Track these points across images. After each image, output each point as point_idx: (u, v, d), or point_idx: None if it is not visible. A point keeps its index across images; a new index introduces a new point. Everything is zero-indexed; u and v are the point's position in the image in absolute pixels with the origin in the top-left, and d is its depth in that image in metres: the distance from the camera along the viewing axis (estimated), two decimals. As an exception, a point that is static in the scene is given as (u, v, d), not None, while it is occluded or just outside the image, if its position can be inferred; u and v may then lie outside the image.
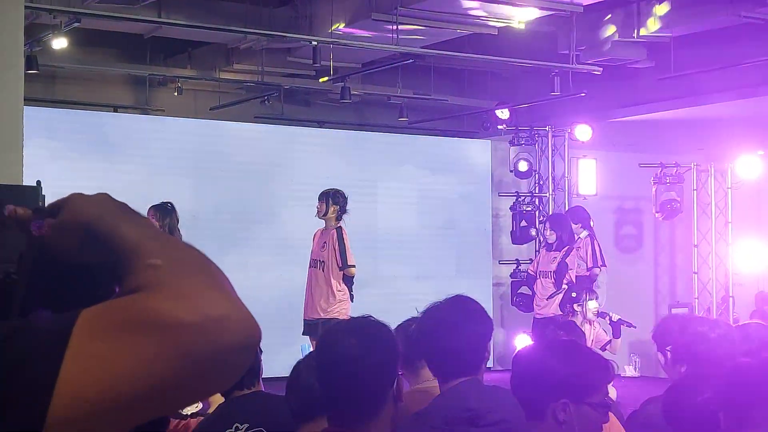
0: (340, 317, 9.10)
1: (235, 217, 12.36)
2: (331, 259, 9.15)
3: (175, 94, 12.21)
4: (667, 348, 4.23)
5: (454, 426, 3.30)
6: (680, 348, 4.05)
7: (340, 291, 9.18)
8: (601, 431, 2.94)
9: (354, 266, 9.21)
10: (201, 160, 12.19)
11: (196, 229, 11.68)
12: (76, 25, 9.51)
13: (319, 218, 9.24)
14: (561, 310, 10.20)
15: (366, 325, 2.70)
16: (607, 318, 9.90)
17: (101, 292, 1.08)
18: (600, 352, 9.78)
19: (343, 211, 9.22)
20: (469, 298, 3.63)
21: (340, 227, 9.18)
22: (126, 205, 1.13)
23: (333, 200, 9.19)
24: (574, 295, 10.16)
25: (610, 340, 9.90)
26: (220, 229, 12.22)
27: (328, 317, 9.07)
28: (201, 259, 1.06)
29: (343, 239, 9.13)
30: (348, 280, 9.26)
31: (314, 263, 9.22)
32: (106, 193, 1.15)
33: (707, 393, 2.92)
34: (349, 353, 2.60)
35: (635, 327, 10.37)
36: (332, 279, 9.16)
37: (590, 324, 9.87)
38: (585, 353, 3.06)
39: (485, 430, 3.29)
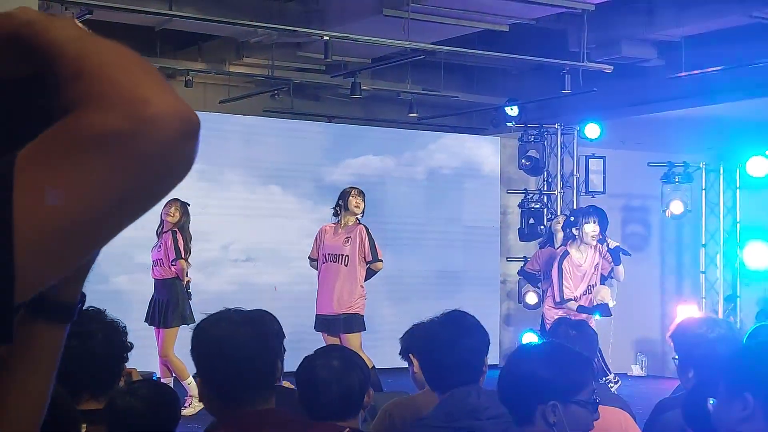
0: (360, 312, 9.15)
1: (239, 212, 12.36)
2: (358, 254, 9.17)
3: (185, 86, 12.21)
4: (674, 356, 4.25)
5: (456, 421, 3.36)
6: (683, 353, 4.06)
7: (362, 286, 9.22)
8: (593, 428, 2.94)
9: (382, 260, 9.29)
10: (209, 154, 12.19)
11: (203, 223, 11.72)
12: (87, 16, 9.51)
13: (357, 215, 9.29)
14: (563, 243, 10.09)
15: (246, 314, 2.85)
16: (606, 244, 9.85)
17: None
18: (602, 288, 9.80)
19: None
20: (464, 313, 3.70)
21: (363, 223, 9.25)
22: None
23: (364, 197, 9.29)
24: (572, 219, 10.05)
25: (613, 268, 9.90)
26: (228, 223, 12.24)
27: (350, 312, 9.10)
28: (125, 55, 1.00)
29: (371, 234, 9.21)
30: (370, 275, 9.32)
31: (334, 258, 9.20)
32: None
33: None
34: (232, 343, 2.75)
35: (630, 255, 10.34)
36: (357, 274, 9.18)
37: (593, 248, 9.76)
38: (567, 352, 3.07)
39: (487, 422, 3.34)
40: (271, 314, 3.15)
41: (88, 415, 2.90)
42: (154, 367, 9.26)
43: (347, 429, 2.92)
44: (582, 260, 9.77)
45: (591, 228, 9.60)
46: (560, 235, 10.69)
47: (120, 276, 11.12)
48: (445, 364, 3.48)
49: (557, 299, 9.68)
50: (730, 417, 2.54)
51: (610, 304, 9.82)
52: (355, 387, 3.24)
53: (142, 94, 0.95)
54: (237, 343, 2.73)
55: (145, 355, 10.11)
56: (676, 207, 12.88)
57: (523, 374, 2.92)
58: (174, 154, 0.96)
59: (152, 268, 9.60)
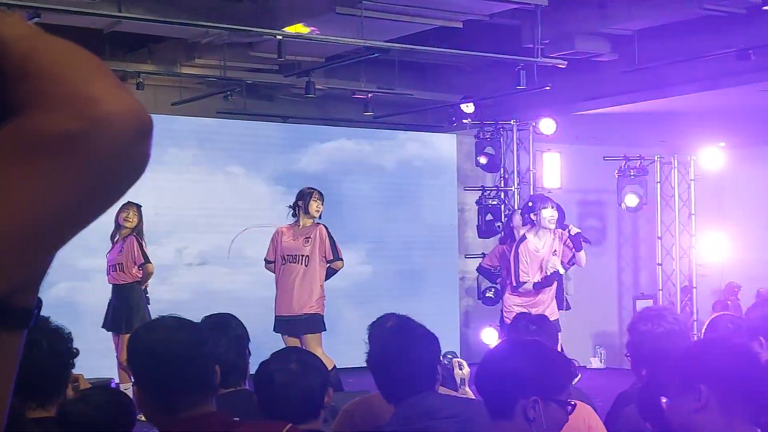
0: (321, 312, 9.11)
1: (198, 212, 12.25)
2: (318, 254, 9.12)
3: (136, 89, 12.07)
4: (625, 353, 4.28)
5: (413, 423, 3.35)
6: (632, 350, 4.11)
7: (322, 287, 9.18)
8: (561, 430, 2.96)
9: (343, 259, 9.30)
10: (163, 156, 12.07)
11: (159, 225, 11.59)
12: (35, 20, 9.35)
13: (316, 218, 9.23)
14: (522, 224, 10.03)
15: (183, 320, 2.86)
16: (567, 231, 9.84)
17: None
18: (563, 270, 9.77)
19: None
20: (412, 321, 3.68)
21: (322, 223, 9.25)
22: None
23: (323, 200, 9.28)
24: (530, 204, 10.03)
25: (574, 255, 9.88)
26: (183, 225, 12.12)
27: (310, 312, 9.06)
28: (77, 53, 0.96)
29: (331, 233, 9.22)
30: (330, 274, 9.30)
31: (294, 258, 9.14)
32: None
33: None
34: (168, 349, 2.75)
35: (590, 242, 10.35)
36: (318, 274, 9.13)
37: (551, 234, 9.70)
38: (552, 352, 3.13)
39: (443, 421, 3.34)
40: (233, 316, 3.11)
41: (37, 423, 2.86)
42: (113, 373, 9.14)
43: (288, 426, 2.88)
44: (540, 246, 9.74)
45: (549, 213, 9.57)
46: (522, 231, 10.60)
47: (63, 282, 10.99)
48: (396, 377, 3.47)
49: (514, 284, 9.61)
50: (685, 409, 2.58)
51: (561, 271, 9.75)
52: (315, 389, 3.21)
53: (94, 93, 0.91)
54: (170, 350, 2.73)
55: (100, 359, 9.98)
56: (631, 200, 12.95)
57: (509, 368, 2.93)
58: (128, 155, 0.92)
59: (108, 273, 9.47)
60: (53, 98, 0.90)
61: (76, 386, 3.30)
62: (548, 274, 9.56)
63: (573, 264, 10.03)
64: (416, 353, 3.49)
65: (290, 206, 9.32)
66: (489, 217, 13.03)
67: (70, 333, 3.16)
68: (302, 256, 9.12)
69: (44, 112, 0.90)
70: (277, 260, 9.22)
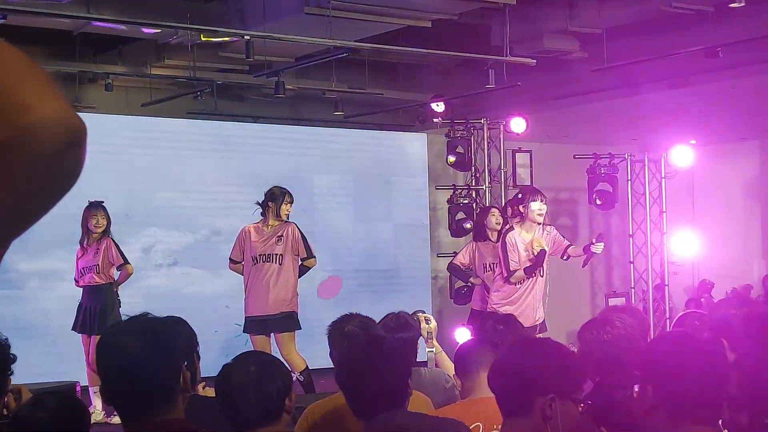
0: (296, 310, 9.12)
1: (169, 213, 12.20)
2: (291, 252, 9.13)
3: (105, 90, 12.01)
4: None
5: None
6: (581, 358, 4.14)
7: (296, 284, 9.19)
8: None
9: (315, 257, 9.33)
10: (134, 157, 12.02)
11: (129, 226, 11.53)
12: (1, 21, 9.28)
13: (287, 216, 9.22)
14: (511, 215, 9.67)
15: (146, 323, 2.76)
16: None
17: None
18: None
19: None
20: (378, 332, 3.66)
21: (292, 221, 9.25)
22: None
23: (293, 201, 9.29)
24: (519, 196, 9.68)
25: (566, 248, 9.52)
26: (153, 227, 12.06)
27: (287, 310, 9.05)
28: (12, 59, 0.95)
29: (302, 231, 9.25)
30: (303, 272, 9.33)
31: (267, 258, 9.12)
32: None
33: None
34: (131, 355, 2.67)
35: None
36: (292, 272, 9.14)
37: (541, 228, 9.29)
38: (566, 351, 3.13)
39: None
40: (181, 319, 3.08)
41: None
42: (79, 376, 9.08)
43: None
44: (528, 239, 9.38)
45: (537, 206, 9.12)
46: (494, 233, 10.41)
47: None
48: (365, 395, 3.45)
49: (505, 274, 9.22)
50: (636, 411, 2.59)
51: (546, 249, 9.37)
52: (272, 393, 3.17)
53: (23, 101, 0.91)
54: (129, 354, 2.67)
55: (66, 363, 9.93)
56: (602, 198, 12.99)
57: (528, 365, 2.94)
58: (57, 164, 0.91)
59: (81, 276, 9.42)
60: None
61: (17, 398, 3.26)
62: (534, 254, 9.21)
63: (569, 258, 9.69)
64: (386, 370, 3.46)
65: (259, 204, 9.28)
66: (461, 215, 13.04)
67: (6, 339, 3.11)
68: (276, 255, 9.10)
69: None
70: (247, 260, 9.18)
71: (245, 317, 9.21)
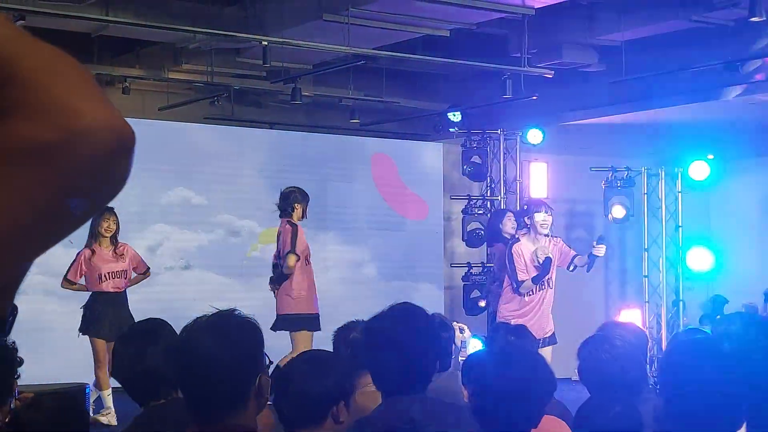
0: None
1: (183, 218, 12.20)
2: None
3: (122, 93, 12.03)
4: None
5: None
6: (580, 375, 4.14)
7: None
8: None
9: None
10: (149, 161, 12.01)
11: (144, 231, 11.53)
12: (20, 23, 9.30)
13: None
14: (518, 228, 9.70)
15: (227, 323, 2.68)
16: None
17: None
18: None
19: None
20: (415, 310, 3.52)
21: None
22: None
23: None
24: (525, 207, 9.77)
25: (573, 258, 9.57)
26: (168, 231, 12.06)
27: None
28: (62, 60, 0.93)
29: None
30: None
31: (308, 258, 9.27)
32: None
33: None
34: (207, 352, 2.59)
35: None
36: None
37: (547, 240, 9.35)
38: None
39: None
40: (168, 325, 3.01)
41: None
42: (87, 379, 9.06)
43: None
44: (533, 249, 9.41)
45: (542, 217, 9.18)
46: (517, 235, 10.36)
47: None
48: (395, 367, 3.33)
49: (515, 285, 9.21)
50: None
51: (550, 256, 9.41)
52: (312, 395, 3.07)
53: (75, 105, 0.89)
54: (209, 353, 2.60)
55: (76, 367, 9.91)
56: (618, 212, 12.91)
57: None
58: (107, 169, 0.90)
59: (107, 281, 9.36)
60: (34, 107, 0.89)
61: (26, 402, 3.25)
62: (540, 263, 9.19)
63: (575, 268, 9.72)
64: (417, 346, 3.34)
65: (301, 207, 9.26)
66: (475, 225, 12.99)
67: (14, 342, 3.08)
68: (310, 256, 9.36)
69: (24, 120, 0.88)
70: (302, 258, 9.21)
71: (303, 314, 9.13)
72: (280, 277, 9.12)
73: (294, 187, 9.31)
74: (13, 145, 0.88)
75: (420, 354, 3.36)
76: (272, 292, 9.17)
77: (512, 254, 9.21)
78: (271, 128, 13.28)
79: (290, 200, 9.14)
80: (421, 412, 3.26)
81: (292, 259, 8.94)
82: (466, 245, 13.32)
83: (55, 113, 0.89)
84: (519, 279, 9.14)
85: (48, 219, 0.91)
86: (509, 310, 9.23)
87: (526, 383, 2.95)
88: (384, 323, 3.42)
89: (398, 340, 3.32)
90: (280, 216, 9.18)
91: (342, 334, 4.44)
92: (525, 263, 9.16)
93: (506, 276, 9.44)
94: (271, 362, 2.72)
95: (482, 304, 12.29)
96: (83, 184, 0.90)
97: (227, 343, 2.62)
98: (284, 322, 8.99)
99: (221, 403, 2.60)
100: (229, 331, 2.65)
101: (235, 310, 2.72)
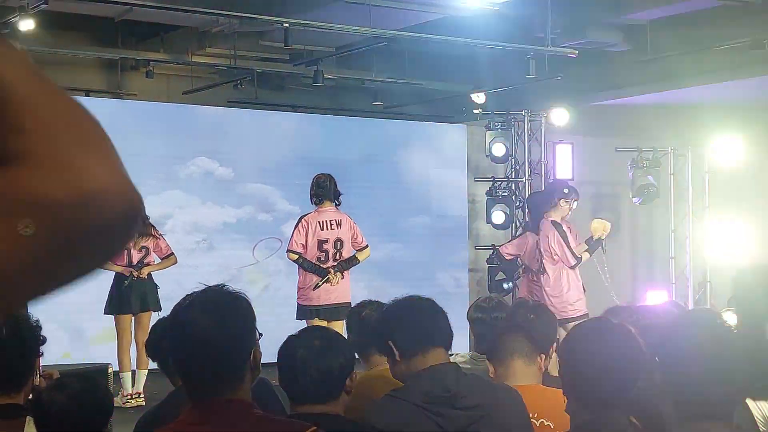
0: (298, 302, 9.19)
1: (210, 200, 12.23)
2: None
3: (146, 77, 12.06)
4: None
5: (434, 405, 3.27)
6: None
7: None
8: None
9: (291, 251, 9.11)
10: (174, 145, 12.05)
11: (172, 216, 11.58)
12: (43, 6, 9.34)
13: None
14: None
15: (220, 298, 2.68)
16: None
17: None
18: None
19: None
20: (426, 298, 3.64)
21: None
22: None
23: None
24: (566, 191, 10.10)
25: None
26: (194, 215, 12.10)
27: None
28: (77, 113, 0.92)
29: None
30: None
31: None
32: None
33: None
34: (201, 329, 2.59)
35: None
36: None
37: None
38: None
39: (463, 412, 3.27)
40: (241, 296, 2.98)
41: (2, 409, 2.82)
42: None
43: (312, 429, 2.79)
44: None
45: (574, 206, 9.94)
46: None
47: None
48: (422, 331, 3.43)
49: (572, 262, 9.75)
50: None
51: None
52: (334, 370, 3.12)
53: (88, 165, 0.88)
54: (200, 328, 2.59)
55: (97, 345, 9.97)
56: (643, 192, 12.85)
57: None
58: (110, 233, 0.89)
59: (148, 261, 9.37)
60: (45, 160, 0.87)
61: (50, 383, 3.26)
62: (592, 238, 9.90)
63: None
64: (439, 315, 3.49)
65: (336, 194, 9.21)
66: (500, 207, 12.94)
67: (37, 320, 3.10)
68: None
69: (32, 171, 0.87)
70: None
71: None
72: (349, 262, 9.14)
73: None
74: (20, 197, 0.86)
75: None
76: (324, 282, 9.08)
77: (564, 232, 9.72)
78: (294, 111, 13.28)
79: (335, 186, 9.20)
80: (457, 383, 3.32)
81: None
82: (495, 228, 13.24)
83: (67, 171, 0.87)
84: (577, 254, 9.77)
85: (47, 271, 0.89)
86: (576, 299, 9.72)
87: (621, 356, 2.93)
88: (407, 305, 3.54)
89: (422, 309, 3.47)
90: (331, 201, 9.15)
91: (355, 312, 4.45)
92: (574, 239, 9.85)
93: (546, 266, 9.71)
94: (260, 334, 2.71)
95: (507, 286, 12.28)
96: (86, 243, 0.88)
97: (220, 319, 2.61)
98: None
99: (217, 378, 2.60)
100: (221, 307, 2.64)
101: (224, 285, 2.72)
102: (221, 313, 2.63)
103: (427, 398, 3.27)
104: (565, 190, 10.04)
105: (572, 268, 9.74)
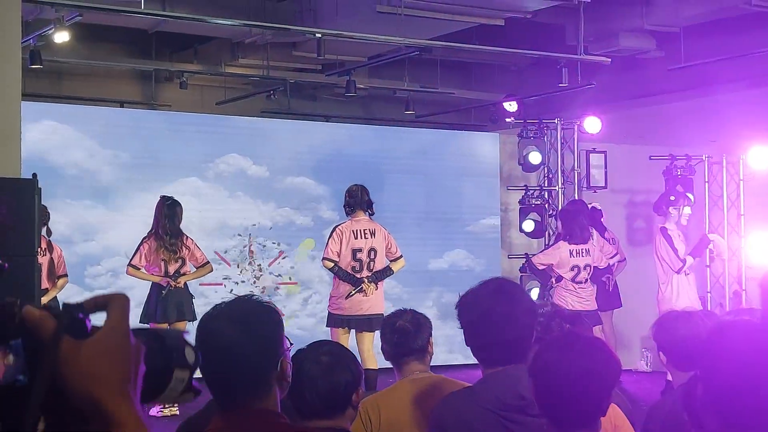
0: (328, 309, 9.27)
1: (245, 212, 12.29)
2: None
3: (180, 88, 12.16)
4: (660, 353, 4.19)
5: (507, 411, 3.25)
6: (674, 350, 4.00)
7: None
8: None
9: (327, 259, 9.08)
10: (208, 155, 12.11)
11: (202, 225, 11.64)
12: (78, 19, 9.45)
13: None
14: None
15: (247, 308, 2.69)
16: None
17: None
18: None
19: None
20: (511, 281, 3.58)
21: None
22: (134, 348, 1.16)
23: None
24: (672, 198, 10.58)
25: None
26: (231, 226, 12.15)
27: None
28: (117, 357, 1.12)
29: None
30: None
31: None
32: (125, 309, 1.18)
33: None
34: (228, 339, 2.60)
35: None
36: None
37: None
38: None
39: (531, 419, 3.23)
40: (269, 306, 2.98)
41: None
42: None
43: None
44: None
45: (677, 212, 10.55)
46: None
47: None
48: (499, 339, 3.31)
49: (680, 265, 10.29)
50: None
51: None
52: (341, 386, 3.15)
53: (118, 414, 1.10)
54: (226, 338, 2.60)
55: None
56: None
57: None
58: None
59: (184, 271, 9.42)
60: None
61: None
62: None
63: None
64: (522, 319, 3.33)
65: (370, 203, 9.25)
66: (534, 216, 12.90)
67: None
68: None
69: None
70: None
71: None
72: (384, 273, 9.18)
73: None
74: None
75: (525, 327, 3.35)
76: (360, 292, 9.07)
77: (669, 236, 10.29)
78: (327, 121, 13.32)
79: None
80: (529, 390, 3.18)
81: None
82: (529, 237, 13.22)
83: (96, 412, 1.09)
84: (681, 256, 10.39)
85: None
86: (684, 306, 10.09)
87: (591, 370, 2.86)
88: (482, 293, 3.40)
89: (510, 316, 3.32)
90: (364, 211, 9.16)
91: (389, 321, 4.45)
92: (677, 244, 10.48)
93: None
94: (291, 344, 2.73)
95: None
96: None
97: (247, 329, 2.62)
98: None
99: (242, 387, 2.61)
100: (249, 317, 2.65)
101: (253, 295, 2.75)
102: (247, 322, 2.64)
103: (500, 404, 3.24)
104: (672, 198, 10.30)
105: (678, 272, 10.25)
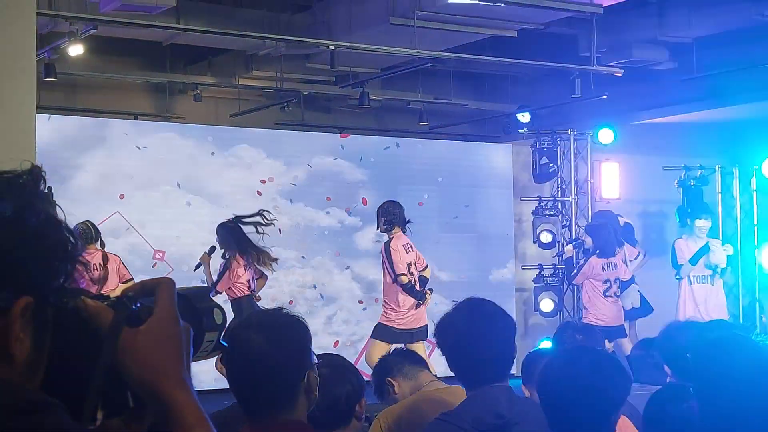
0: (381, 321, 9.50)
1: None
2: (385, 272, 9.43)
3: (194, 101, 12.21)
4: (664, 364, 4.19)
5: (485, 431, 3.23)
6: (678, 361, 4.00)
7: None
8: None
9: (404, 274, 9.26)
10: (223, 167, 12.16)
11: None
12: (92, 31, 9.50)
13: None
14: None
15: (275, 319, 2.72)
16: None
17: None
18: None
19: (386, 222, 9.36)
20: (484, 300, 3.52)
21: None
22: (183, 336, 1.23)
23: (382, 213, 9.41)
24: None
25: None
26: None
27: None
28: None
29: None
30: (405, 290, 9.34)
31: None
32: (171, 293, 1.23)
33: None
34: (256, 350, 2.62)
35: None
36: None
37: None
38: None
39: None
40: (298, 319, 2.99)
41: None
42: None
43: None
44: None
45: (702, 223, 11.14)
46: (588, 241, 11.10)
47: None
48: (476, 359, 3.31)
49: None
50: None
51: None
52: (342, 398, 3.16)
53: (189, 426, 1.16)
54: (254, 348, 2.62)
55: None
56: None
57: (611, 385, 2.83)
58: None
59: (250, 288, 9.40)
60: None
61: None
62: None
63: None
64: (495, 336, 3.32)
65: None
66: (548, 227, 12.91)
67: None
68: None
69: None
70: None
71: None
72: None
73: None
74: None
75: (503, 343, 3.36)
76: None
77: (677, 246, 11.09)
78: (340, 133, 13.35)
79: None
80: (509, 409, 3.24)
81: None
82: (540, 247, 13.23)
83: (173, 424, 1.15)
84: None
85: None
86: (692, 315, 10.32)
87: (597, 386, 2.85)
88: (463, 321, 3.40)
89: (482, 335, 3.32)
90: (400, 227, 9.32)
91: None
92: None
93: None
94: (319, 358, 2.75)
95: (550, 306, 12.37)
96: None
97: (276, 341, 2.64)
98: None
99: (271, 400, 2.63)
100: (278, 329, 2.68)
101: (282, 308, 2.77)
102: (275, 333, 2.66)
103: (479, 424, 3.22)
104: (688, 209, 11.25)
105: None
